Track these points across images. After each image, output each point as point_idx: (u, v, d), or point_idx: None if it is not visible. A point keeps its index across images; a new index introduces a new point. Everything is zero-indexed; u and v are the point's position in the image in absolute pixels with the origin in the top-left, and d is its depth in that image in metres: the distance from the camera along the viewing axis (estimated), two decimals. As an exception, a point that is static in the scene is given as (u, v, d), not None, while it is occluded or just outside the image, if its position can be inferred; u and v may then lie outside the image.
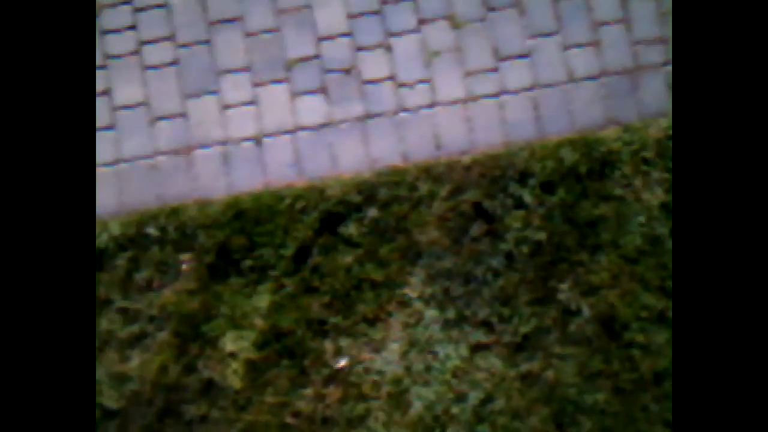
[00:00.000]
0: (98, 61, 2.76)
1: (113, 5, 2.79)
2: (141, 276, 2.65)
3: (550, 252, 2.72)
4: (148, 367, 2.59)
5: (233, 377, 2.60)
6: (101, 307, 2.63)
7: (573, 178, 2.76)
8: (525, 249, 2.71)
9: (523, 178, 2.75)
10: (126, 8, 2.79)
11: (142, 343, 2.61)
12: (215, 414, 2.58)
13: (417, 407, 2.61)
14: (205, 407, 2.58)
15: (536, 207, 2.74)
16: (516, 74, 2.82)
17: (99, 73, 2.76)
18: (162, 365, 2.59)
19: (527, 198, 2.74)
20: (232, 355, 2.61)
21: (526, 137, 2.80)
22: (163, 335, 2.61)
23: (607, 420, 2.60)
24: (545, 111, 2.83)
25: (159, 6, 2.80)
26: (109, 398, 2.59)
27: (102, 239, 2.66)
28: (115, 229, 2.66)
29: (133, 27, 2.79)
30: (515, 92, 2.82)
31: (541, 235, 2.72)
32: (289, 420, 2.59)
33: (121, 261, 2.65)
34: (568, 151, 2.77)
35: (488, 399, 2.62)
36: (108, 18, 2.79)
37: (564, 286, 2.69)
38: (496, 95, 2.82)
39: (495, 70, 2.83)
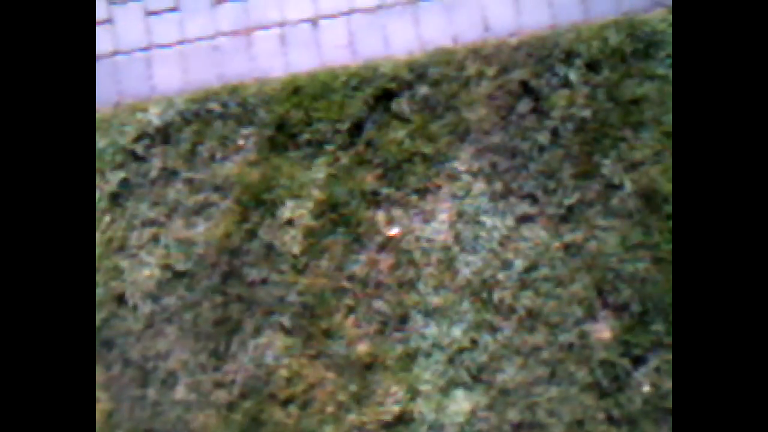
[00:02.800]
0: (163, -55, 2.83)
1: None
2: (205, 148, 2.73)
3: (594, 129, 2.73)
4: (213, 232, 2.69)
5: (292, 243, 2.68)
6: (169, 178, 2.74)
7: (618, 58, 2.76)
8: (570, 126, 2.74)
9: (569, 57, 2.76)
10: None
11: (206, 211, 2.70)
12: (275, 277, 2.68)
13: (465, 273, 2.68)
14: (266, 270, 2.68)
15: (581, 86, 2.75)
16: (564, -42, 2.82)
17: (163, -42, 2.84)
18: (225, 231, 2.69)
19: (573, 77, 2.75)
20: (291, 223, 2.69)
21: (572, 20, 2.80)
22: (227, 203, 2.70)
23: (646, 287, 2.64)
24: (592, -6, 2.83)
25: None
26: (177, 261, 2.69)
27: (168, 114, 2.74)
28: (181, 105, 2.73)
29: None
30: (562, -25, 2.83)
31: (586, 113, 2.74)
32: (344, 283, 2.68)
33: (187, 134, 2.73)
34: (614, 32, 2.76)
35: (533, 267, 2.67)
36: None
37: (607, 162, 2.72)
38: (543, -22, 2.83)
39: (543, -47, 2.83)
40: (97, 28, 2.79)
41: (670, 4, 2.81)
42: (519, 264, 2.68)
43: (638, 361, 2.61)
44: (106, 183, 2.71)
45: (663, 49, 2.77)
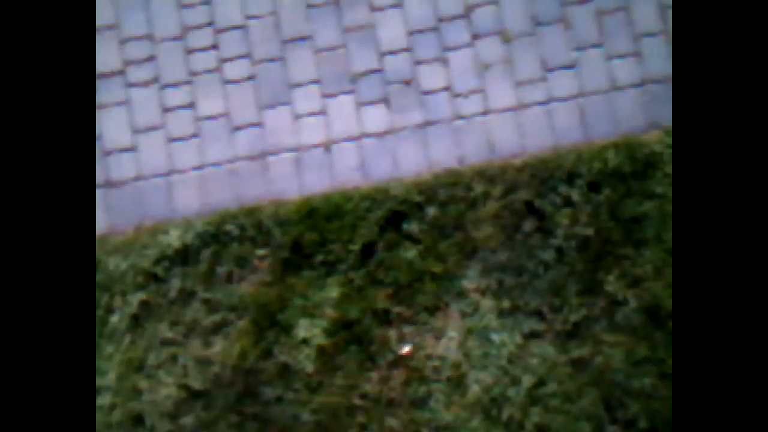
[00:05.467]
0: (183, 77, 2.90)
1: (198, 27, 2.93)
2: (222, 269, 2.76)
3: (597, 246, 2.76)
4: (229, 352, 2.69)
5: (306, 362, 2.68)
6: (187, 298, 2.75)
7: (617, 178, 2.81)
8: (573, 244, 2.76)
9: (571, 178, 2.81)
10: (208, 29, 2.93)
11: (223, 331, 2.71)
12: (289, 395, 2.67)
13: (475, 390, 2.66)
14: (281, 389, 2.67)
15: (584, 205, 2.79)
16: (563, 83, 2.89)
17: (184, 88, 2.90)
18: (241, 351, 2.69)
19: (575, 197, 2.79)
20: (305, 342, 2.70)
21: (573, 141, 2.85)
22: (242, 323, 2.71)
23: (653, 403, 2.63)
24: (591, 117, 2.88)
25: (237, 27, 2.93)
26: (194, 380, 2.69)
27: (187, 236, 2.77)
28: (199, 227, 2.77)
29: (214, 46, 2.92)
30: (563, 100, 2.89)
31: (589, 231, 2.77)
32: (356, 401, 2.67)
33: (205, 256, 2.76)
34: (613, 153, 2.82)
35: (541, 383, 2.66)
36: (192, 38, 2.93)
37: (611, 278, 2.73)
38: (544, 103, 2.89)
39: (543, 80, 2.90)
40: (122, 155, 2.86)
41: (667, 126, 2.87)
42: (527, 380, 2.67)
43: (647, 476, 2.58)
44: (127, 305, 2.72)
45: (660, 169, 2.82)
